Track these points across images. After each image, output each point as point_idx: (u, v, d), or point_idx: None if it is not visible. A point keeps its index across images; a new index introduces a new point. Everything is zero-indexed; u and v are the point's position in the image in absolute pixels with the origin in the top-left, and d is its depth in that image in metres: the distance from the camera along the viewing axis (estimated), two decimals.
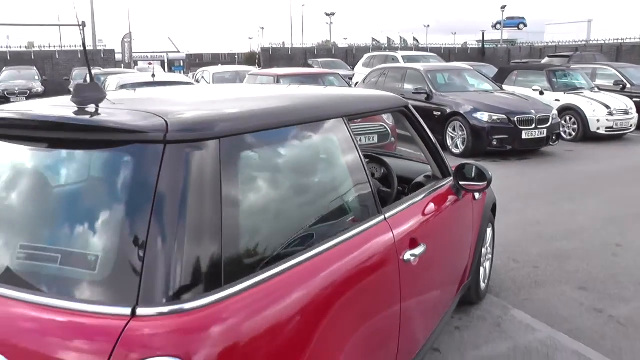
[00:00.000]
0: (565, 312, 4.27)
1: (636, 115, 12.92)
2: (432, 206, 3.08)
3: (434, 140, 3.50)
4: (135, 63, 34.33)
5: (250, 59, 66.05)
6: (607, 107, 12.50)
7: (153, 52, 60.16)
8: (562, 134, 12.46)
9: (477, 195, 3.86)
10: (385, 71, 13.87)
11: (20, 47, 32.30)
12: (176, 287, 1.54)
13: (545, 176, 9.28)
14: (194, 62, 76.15)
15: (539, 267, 5.16)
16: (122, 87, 9.39)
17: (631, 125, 12.84)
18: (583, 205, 7.33)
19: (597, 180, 8.90)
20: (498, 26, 57.17)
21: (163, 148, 1.66)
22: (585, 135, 12.50)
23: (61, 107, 2.01)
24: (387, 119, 8.98)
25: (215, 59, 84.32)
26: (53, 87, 26.83)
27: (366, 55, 23.07)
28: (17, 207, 1.91)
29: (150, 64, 39.49)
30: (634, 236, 6.01)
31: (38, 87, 23.72)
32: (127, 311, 1.50)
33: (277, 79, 10.74)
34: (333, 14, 55.72)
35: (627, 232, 6.14)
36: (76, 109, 1.93)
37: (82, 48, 31.91)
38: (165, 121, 1.70)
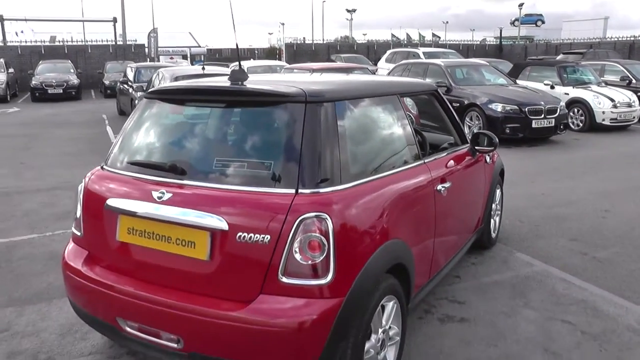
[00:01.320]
0: (558, 254, 5.43)
1: (639, 108, 14.00)
2: (454, 161, 4.27)
3: (455, 116, 4.70)
4: (158, 58, 35.43)
5: (270, 53, 67.09)
6: (612, 100, 13.59)
7: (176, 47, 61.31)
8: (571, 124, 13.61)
9: (488, 159, 5.05)
10: (408, 66, 15.00)
11: (43, 41, 33.45)
12: (317, 180, 2.74)
13: (552, 160, 10.44)
14: (214, 57, 76.99)
15: (539, 225, 6.33)
16: (176, 78, 10.64)
17: (634, 117, 13.94)
18: (582, 182, 8.48)
19: (598, 163, 10.05)
20: (516, 23, 57.87)
21: (305, 106, 2.86)
22: (592, 125, 13.60)
23: (228, 83, 3.18)
24: (412, 109, 10.13)
25: (234, 54, 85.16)
26: (86, 80, 28.22)
27: (389, 51, 24.18)
28: (211, 139, 3.16)
29: (172, 58, 40.72)
30: (621, 205, 7.17)
31: (74, 80, 24.97)
32: (293, 191, 2.69)
33: (313, 72, 11.92)
34: (354, 11, 57.02)
35: (616, 202, 7.29)
36: (240, 84, 3.12)
37: (112, 42, 33.34)
38: (304, 91, 2.91)
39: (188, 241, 2.79)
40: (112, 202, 3.07)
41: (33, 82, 24.35)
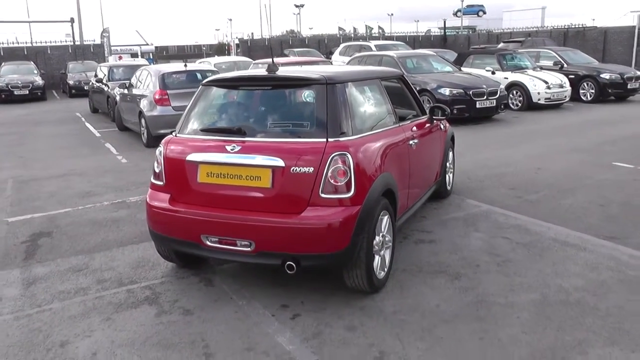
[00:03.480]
0: (499, 199, 7.02)
1: (569, 88, 15.98)
2: (418, 126, 5.78)
3: (417, 94, 6.21)
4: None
5: (220, 49, 67.97)
6: (546, 82, 15.47)
7: (126, 46, 61.50)
8: (511, 104, 15.45)
9: (442, 126, 6.59)
10: (363, 59, 16.53)
11: (2, 43, 33.59)
12: (338, 133, 4.16)
13: (494, 134, 12.18)
14: (161, 54, 77.00)
15: (484, 181, 7.94)
16: (163, 75, 11.89)
17: (565, 97, 15.88)
18: (520, 149, 10.18)
19: (533, 135, 11.81)
20: (459, 14, 60.17)
21: (326, 86, 4.31)
22: (529, 105, 15.47)
23: (268, 74, 4.58)
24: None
25: (181, 51, 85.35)
26: (47, 81, 28.67)
27: (342, 45, 25.77)
28: (263, 110, 4.58)
29: (120, 57, 41.37)
30: (550, 164, 8.87)
31: (39, 81, 25.42)
32: (324, 140, 4.10)
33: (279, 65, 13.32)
34: (302, 6, 58.43)
35: (546, 162, 9.00)
36: (276, 74, 4.53)
37: (72, 43, 33.87)
38: (324, 76, 4.36)
39: (255, 176, 4.19)
40: (192, 156, 4.44)
41: None
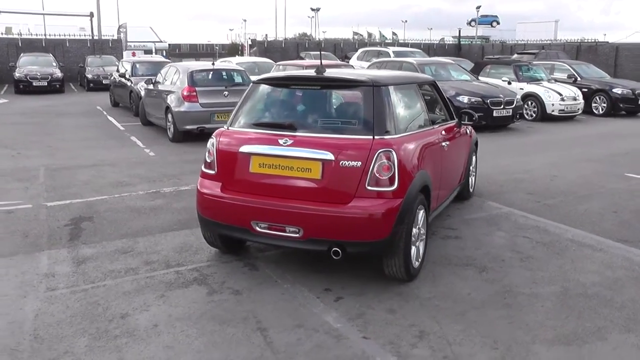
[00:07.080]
0: (518, 202, 7.38)
1: (582, 101, 16.38)
2: (447, 130, 6.14)
3: (447, 99, 6.59)
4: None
5: (233, 49, 68.40)
6: (560, 94, 15.86)
7: (140, 42, 61.89)
8: (525, 115, 15.81)
9: (468, 131, 6.97)
10: (383, 64, 16.95)
11: (20, 34, 34.12)
12: (383, 131, 4.53)
13: (510, 142, 12.56)
14: (174, 52, 77.28)
15: (503, 185, 8.30)
16: (192, 72, 12.29)
17: (578, 109, 16.26)
18: (535, 157, 10.55)
19: (548, 144, 12.20)
20: (473, 23, 60.44)
21: (372, 88, 4.68)
22: (543, 116, 15.86)
23: (318, 75, 4.94)
24: None
25: (193, 49, 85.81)
26: (65, 73, 29.04)
27: (360, 50, 26.26)
28: (313, 107, 4.97)
29: (134, 54, 41.87)
30: (566, 172, 9.23)
31: (58, 73, 25.71)
32: (371, 137, 4.47)
33: (304, 68, 13.70)
34: (318, 9, 58.91)
35: (562, 170, 9.37)
36: (325, 75, 4.89)
37: (90, 37, 34.35)
38: (371, 79, 4.74)
39: (306, 168, 4.55)
40: (245, 148, 4.80)
41: (17, 75, 24.83)
